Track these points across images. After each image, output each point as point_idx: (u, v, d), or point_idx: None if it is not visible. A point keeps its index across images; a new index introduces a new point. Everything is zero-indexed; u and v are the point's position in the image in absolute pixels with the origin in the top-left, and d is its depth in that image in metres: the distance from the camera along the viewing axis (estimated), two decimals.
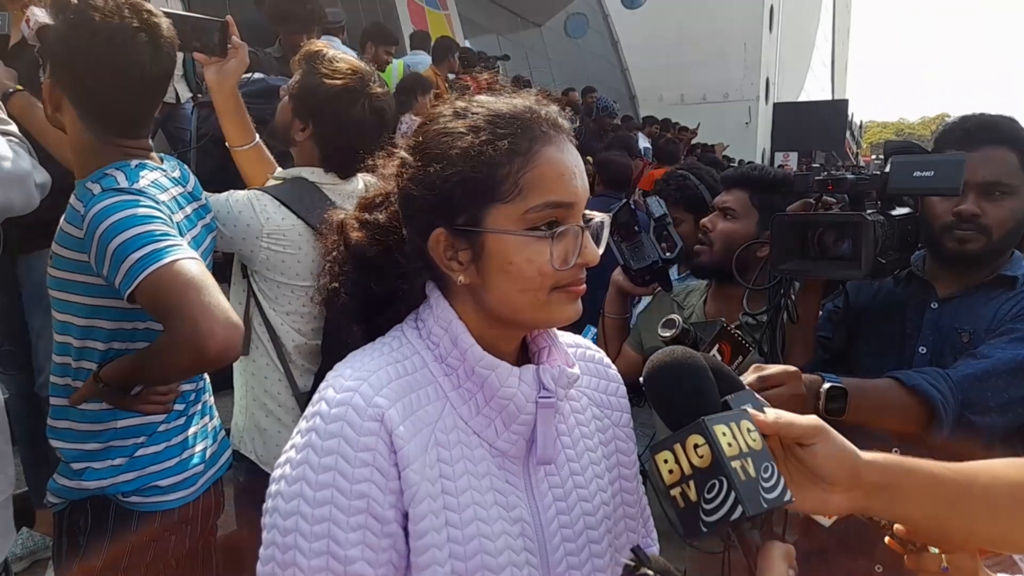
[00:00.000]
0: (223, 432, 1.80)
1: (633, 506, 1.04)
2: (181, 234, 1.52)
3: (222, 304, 1.31)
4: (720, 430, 0.75)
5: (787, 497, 0.75)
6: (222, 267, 1.97)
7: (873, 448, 1.48)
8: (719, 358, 1.20)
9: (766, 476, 0.74)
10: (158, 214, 1.41)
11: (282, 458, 0.85)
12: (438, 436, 0.85)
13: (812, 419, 0.81)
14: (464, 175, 0.84)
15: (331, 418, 0.81)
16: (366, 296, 0.93)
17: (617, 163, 4.70)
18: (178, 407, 1.62)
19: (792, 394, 1.23)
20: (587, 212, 0.89)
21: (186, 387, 1.64)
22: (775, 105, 22.03)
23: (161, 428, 1.60)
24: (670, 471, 0.77)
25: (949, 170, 1.36)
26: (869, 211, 1.44)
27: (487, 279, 0.86)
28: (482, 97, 0.91)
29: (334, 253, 0.95)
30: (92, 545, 1.55)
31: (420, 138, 0.89)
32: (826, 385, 1.29)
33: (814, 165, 1.53)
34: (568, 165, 0.86)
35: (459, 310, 0.89)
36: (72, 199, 1.49)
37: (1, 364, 1.44)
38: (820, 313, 1.64)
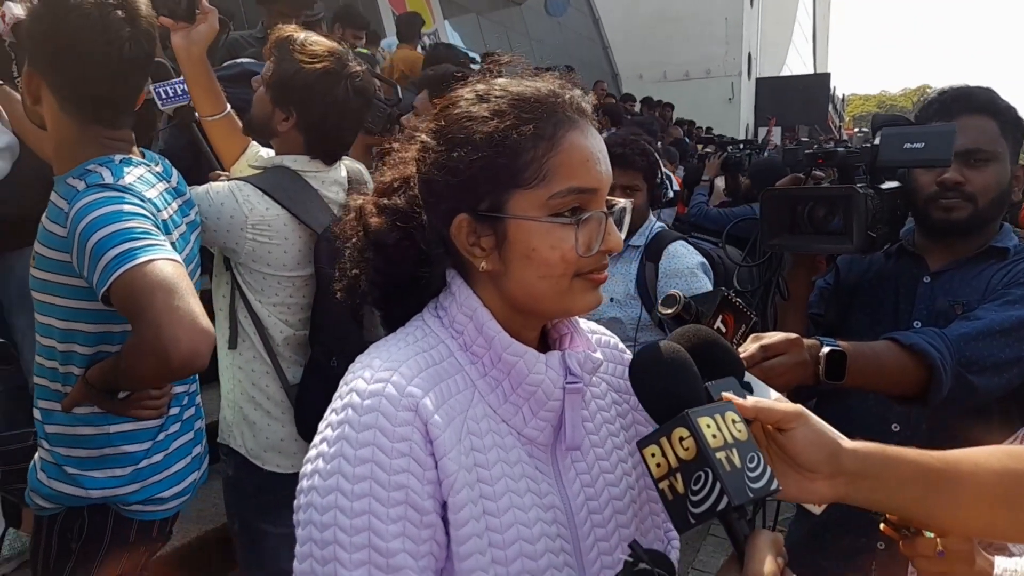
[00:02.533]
0: (205, 434, 1.78)
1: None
2: (168, 232, 1.48)
3: (192, 310, 1.26)
4: (704, 422, 0.75)
5: (773, 486, 0.75)
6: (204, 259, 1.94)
7: (870, 418, 1.46)
8: (723, 330, 1.18)
9: (752, 466, 0.75)
10: (142, 212, 1.37)
11: (312, 452, 0.83)
12: (470, 425, 0.84)
13: (791, 405, 0.82)
14: (488, 160, 0.83)
15: (365, 409, 0.80)
16: (387, 283, 0.92)
17: None
18: (173, 411, 1.59)
19: (795, 362, 1.22)
20: (609, 198, 0.88)
21: (179, 389, 1.61)
22: (758, 80, 22.00)
23: (161, 436, 1.57)
24: (657, 464, 0.77)
25: (939, 141, 1.36)
26: (859, 184, 1.43)
27: (509, 266, 0.85)
28: (503, 80, 0.89)
29: (354, 239, 0.93)
30: (86, 552, 1.52)
31: (442, 122, 0.88)
32: (825, 349, 1.28)
33: (803, 139, 1.52)
34: (592, 150, 0.85)
35: (481, 296, 0.88)
36: (54, 196, 1.44)
37: None
38: (812, 290, 1.63)
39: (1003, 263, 1.50)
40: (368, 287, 0.92)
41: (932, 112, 1.55)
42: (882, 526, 1.15)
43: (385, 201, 0.92)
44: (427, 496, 0.79)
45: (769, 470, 0.76)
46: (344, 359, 1.80)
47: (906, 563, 1.29)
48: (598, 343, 1.03)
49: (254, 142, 2.08)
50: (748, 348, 1.20)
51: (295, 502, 0.83)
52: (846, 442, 0.81)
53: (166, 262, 1.29)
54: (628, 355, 1.06)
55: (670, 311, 1.25)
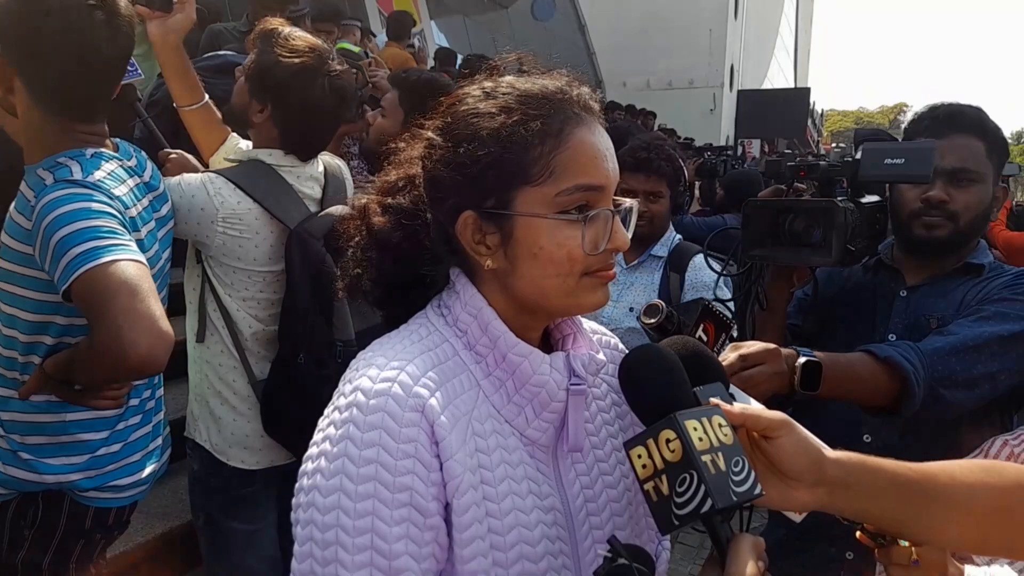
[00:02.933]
0: (167, 427, 1.75)
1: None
2: (136, 229, 1.46)
3: (152, 313, 1.24)
4: (691, 425, 0.75)
5: (757, 491, 0.75)
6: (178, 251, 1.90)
7: (842, 428, 1.47)
8: (704, 339, 1.19)
9: (736, 470, 0.75)
10: (110, 210, 1.35)
11: (313, 451, 0.81)
12: (474, 426, 0.83)
13: (777, 413, 0.82)
14: (495, 156, 0.82)
15: (371, 409, 0.78)
16: (390, 282, 0.91)
17: None
18: (133, 403, 1.57)
19: (773, 372, 1.23)
20: (615, 198, 0.87)
21: (139, 382, 1.58)
22: (739, 92, 22.21)
23: (120, 426, 1.55)
24: (643, 466, 0.77)
25: (920, 158, 1.37)
26: (840, 198, 1.43)
27: (515, 263, 0.84)
28: (510, 78, 0.89)
29: (356, 238, 0.92)
30: (39, 538, 1.50)
31: (448, 119, 0.87)
32: (801, 359, 1.29)
33: (786, 151, 1.52)
34: (600, 148, 0.85)
35: (486, 295, 0.87)
36: (23, 186, 1.42)
37: None
38: (790, 300, 1.63)
39: (978, 279, 1.51)
40: (370, 286, 0.91)
41: (922, 128, 1.56)
42: (858, 534, 1.15)
43: (389, 200, 0.91)
44: (431, 498, 0.78)
45: (753, 475, 0.76)
46: (312, 356, 1.80)
47: (874, 573, 1.29)
48: (600, 344, 1.02)
49: (234, 134, 2.04)
50: (728, 357, 1.20)
51: (293, 500, 0.82)
52: (829, 452, 0.82)
53: (129, 263, 1.27)
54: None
55: (652, 321, 1.26)
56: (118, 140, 1.58)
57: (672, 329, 1.23)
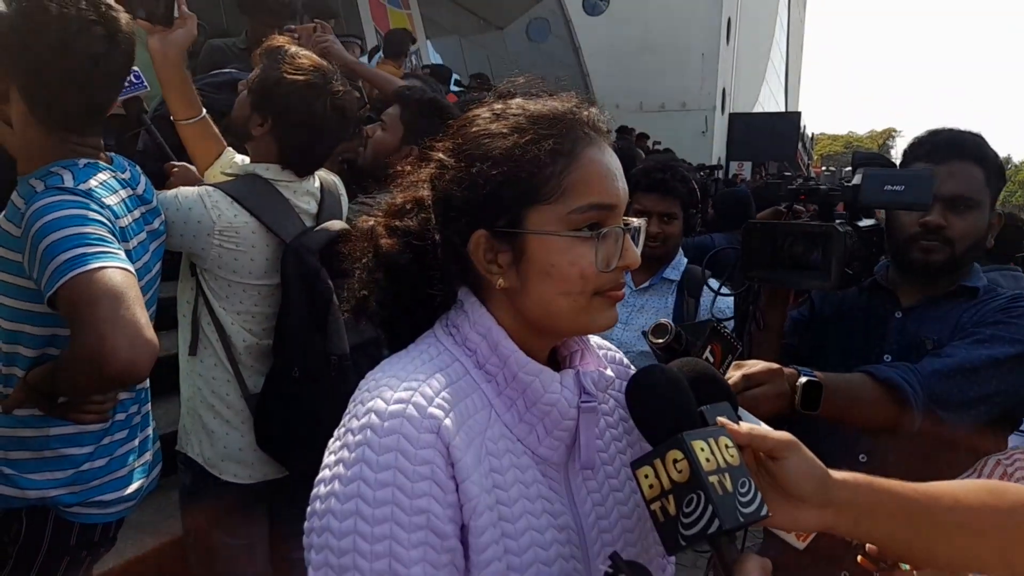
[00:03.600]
0: (158, 443, 1.72)
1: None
2: (126, 239, 1.46)
3: (137, 321, 1.23)
4: (699, 445, 0.75)
5: (764, 512, 0.75)
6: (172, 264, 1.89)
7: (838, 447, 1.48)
8: (711, 360, 1.19)
9: (743, 491, 0.75)
10: (99, 218, 1.34)
11: (326, 474, 0.80)
12: (488, 445, 0.83)
13: (784, 434, 0.82)
14: (507, 175, 0.83)
15: (386, 431, 0.78)
16: (396, 304, 0.91)
17: None
18: (119, 417, 1.55)
19: (776, 392, 1.23)
20: (624, 217, 0.88)
21: (125, 395, 1.56)
22: (731, 115, 22.44)
23: (105, 440, 1.53)
24: (650, 486, 0.77)
25: (919, 185, 1.38)
26: (839, 221, 1.44)
27: (527, 282, 0.84)
28: (519, 100, 0.90)
29: (364, 260, 0.92)
30: (23, 555, 1.47)
31: (459, 140, 0.88)
32: (802, 379, 1.29)
33: (785, 174, 1.53)
34: (610, 167, 0.86)
35: (496, 314, 0.87)
36: (14, 195, 1.42)
37: None
38: (787, 320, 1.64)
39: (973, 302, 1.53)
40: (377, 308, 0.92)
41: (922, 153, 1.57)
42: (859, 558, 1.15)
43: (397, 223, 0.91)
44: (448, 520, 0.77)
45: (760, 496, 0.76)
46: (306, 370, 1.79)
47: None
48: (607, 359, 1.02)
49: (229, 148, 2.04)
50: (731, 376, 1.21)
51: (306, 524, 0.80)
52: (835, 473, 0.82)
53: (116, 270, 1.26)
54: (633, 370, 1.05)
55: (661, 341, 1.26)
56: (112, 154, 1.59)
57: (680, 349, 1.24)
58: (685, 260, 2.49)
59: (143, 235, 1.57)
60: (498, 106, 0.89)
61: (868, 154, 1.72)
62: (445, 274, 0.90)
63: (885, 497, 0.83)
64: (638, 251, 0.88)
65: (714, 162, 20.25)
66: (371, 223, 0.94)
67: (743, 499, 0.75)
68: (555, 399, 0.85)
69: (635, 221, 0.90)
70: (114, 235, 1.36)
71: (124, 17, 1.46)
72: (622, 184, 0.87)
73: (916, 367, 1.41)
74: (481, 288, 0.89)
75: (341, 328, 1.87)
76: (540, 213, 0.83)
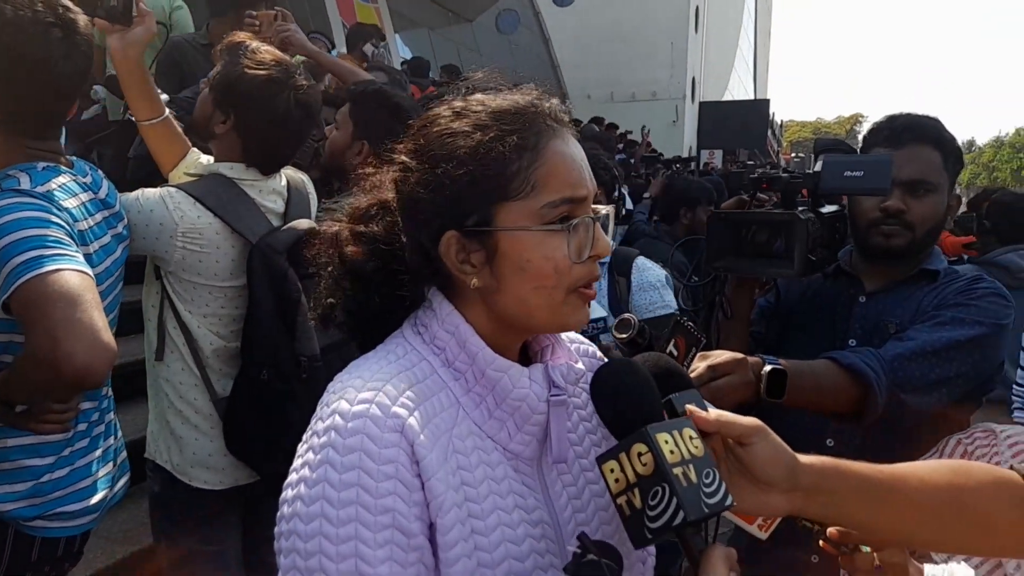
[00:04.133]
0: (124, 453, 1.70)
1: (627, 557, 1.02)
2: (86, 243, 1.44)
3: (94, 324, 1.21)
4: (663, 438, 0.76)
5: (728, 501, 0.76)
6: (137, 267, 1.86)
7: (805, 432, 1.50)
8: (675, 354, 1.20)
9: (707, 481, 0.76)
10: (57, 220, 1.32)
11: (293, 477, 0.80)
12: (456, 443, 0.83)
13: (752, 420, 0.83)
14: (474, 174, 0.82)
15: (349, 432, 0.78)
16: (364, 310, 0.90)
17: None
18: (80, 427, 1.52)
19: (741, 381, 1.25)
20: (593, 205, 0.88)
21: (87, 405, 1.53)
22: (701, 104, 22.60)
23: (66, 451, 1.49)
24: (616, 480, 0.77)
25: (878, 171, 1.40)
26: (801, 209, 1.46)
27: (502, 280, 0.84)
28: (480, 95, 0.89)
29: (330, 268, 0.91)
30: None
31: (421, 141, 0.87)
32: (767, 367, 1.30)
33: (748, 163, 1.54)
34: (576, 158, 0.86)
35: (467, 313, 0.87)
36: None
37: None
38: (754, 308, 1.65)
39: (934, 285, 1.55)
40: (344, 316, 0.90)
41: (881, 138, 1.59)
42: (821, 542, 1.17)
43: (362, 228, 0.90)
44: (414, 519, 0.78)
45: (724, 486, 0.77)
46: (275, 371, 1.77)
47: (837, 574, 1.31)
48: (579, 352, 1.02)
49: (194, 148, 2.01)
50: (697, 368, 1.21)
51: (275, 529, 0.80)
52: (803, 457, 0.83)
53: (73, 272, 1.24)
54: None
55: (624, 335, 1.26)
56: (73, 158, 1.56)
57: (644, 343, 1.24)
58: (613, 244, 2.52)
59: (107, 238, 1.55)
60: (458, 103, 0.88)
61: (829, 141, 1.75)
62: (414, 276, 0.89)
63: (852, 480, 0.84)
64: (608, 239, 0.88)
65: (685, 150, 20.39)
66: (335, 228, 0.92)
67: (707, 490, 0.75)
68: (524, 394, 0.85)
69: (603, 209, 0.89)
70: (72, 237, 1.34)
71: (82, 19, 1.43)
72: (589, 174, 0.87)
73: (879, 352, 1.43)
74: (451, 287, 0.88)
75: (310, 329, 1.85)
76: (510, 209, 0.82)
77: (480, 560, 0.80)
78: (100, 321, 1.23)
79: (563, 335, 0.99)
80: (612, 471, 0.78)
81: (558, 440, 0.88)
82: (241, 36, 1.88)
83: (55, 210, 1.34)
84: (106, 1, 1.78)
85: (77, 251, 1.31)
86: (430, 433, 0.80)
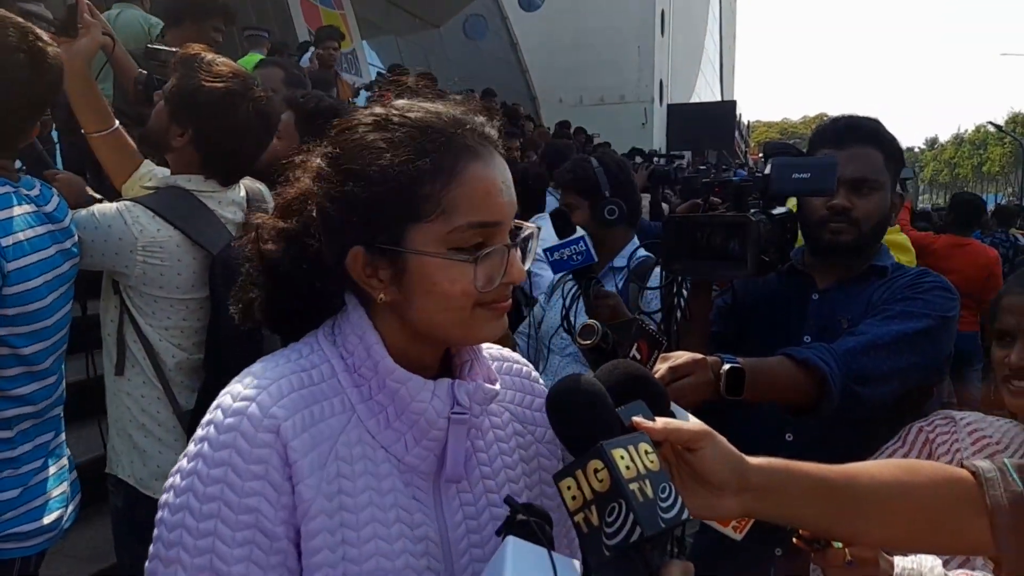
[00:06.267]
0: (74, 473, 1.69)
1: (557, 525, 0.97)
2: (23, 254, 1.45)
3: None
4: (618, 454, 0.76)
5: (684, 515, 0.76)
6: (93, 282, 1.84)
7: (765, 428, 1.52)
8: (638, 357, 1.23)
9: (664, 496, 0.75)
10: None
11: (174, 468, 0.81)
12: (340, 450, 0.81)
13: (699, 424, 0.84)
14: (383, 195, 0.80)
15: (224, 428, 0.78)
16: (282, 307, 0.89)
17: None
18: (26, 448, 1.52)
19: (702, 381, 1.27)
20: (518, 222, 0.86)
21: (28, 424, 1.53)
22: (669, 107, 22.82)
23: (16, 471, 1.49)
24: (573, 497, 0.77)
25: (823, 172, 1.45)
26: (752, 211, 1.49)
27: (409, 297, 0.82)
28: (403, 103, 0.85)
29: (249, 263, 0.90)
30: None
31: (338, 149, 0.84)
32: (726, 366, 1.33)
33: (723, 167, 1.58)
34: (495, 181, 0.82)
35: (379, 322, 0.86)
36: None
37: None
38: (711, 309, 1.68)
39: (883, 280, 1.61)
40: (261, 313, 0.89)
41: (825, 139, 1.65)
42: (794, 539, 1.20)
43: (281, 224, 0.88)
44: (279, 522, 0.77)
45: (680, 500, 0.76)
46: None
47: (806, 570, 1.34)
48: (506, 371, 1.00)
49: (147, 161, 1.99)
50: (658, 370, 1.24)
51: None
52: (752, 459, 0.84)
53: None
54: (540, 385, 1.04)
55: (588, 342, 1.28)
56: (25, 176, 1.57)
57: (608, 348, 1.26)
58: (634, 246, 2.47)
59: (51, 251, 1.55)
60: (380, 111, 0.85)
61: (778, 144, 1.80)
62: (332, 279, 0.87)
63: (802, 479, 0.85)
64: (528, 260, 0.86)
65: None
66: (259, 221, 0.91)
67: (664, 504, 0.75)
68: (422, 408, 0.83)
69: (528, 228, 0.88)
70: None
71: (52, 50, 1.47)
72: (508, 198, 0.83)
73: (831, 346, 1.46)
74: (365, 294, 0.86)
75: (275, 338, 1.84)
76: (420, 231, 0.80)
77: (347, 571, 0.79)
78: None
79: (488, 352, 0.97)
80: (569, 488, 0.77)
81: (453, 458, 0.86)
82: (196, 48, 1.87)
83: None
84: (53, 14, 1.79)
85: None
86: (309, 437, 0.79)
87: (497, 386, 0.91)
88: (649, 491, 0.75)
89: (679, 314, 1.59)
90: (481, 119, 0.85)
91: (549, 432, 0.97)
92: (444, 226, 0.80)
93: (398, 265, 0.81)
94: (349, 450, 0.82)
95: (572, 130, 12.15)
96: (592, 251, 1.64)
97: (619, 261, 2.41)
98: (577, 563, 0.75)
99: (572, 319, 1.64)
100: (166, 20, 3.40)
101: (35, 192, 1.54)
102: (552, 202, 4.64)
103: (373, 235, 0.81)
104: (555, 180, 2.39)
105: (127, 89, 2.38)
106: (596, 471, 0.75)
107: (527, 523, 0.75)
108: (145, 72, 2.32)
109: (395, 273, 0.82)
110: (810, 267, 1.68)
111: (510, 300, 0.86)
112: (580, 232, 1.63)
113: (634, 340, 1.24)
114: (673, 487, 0.77)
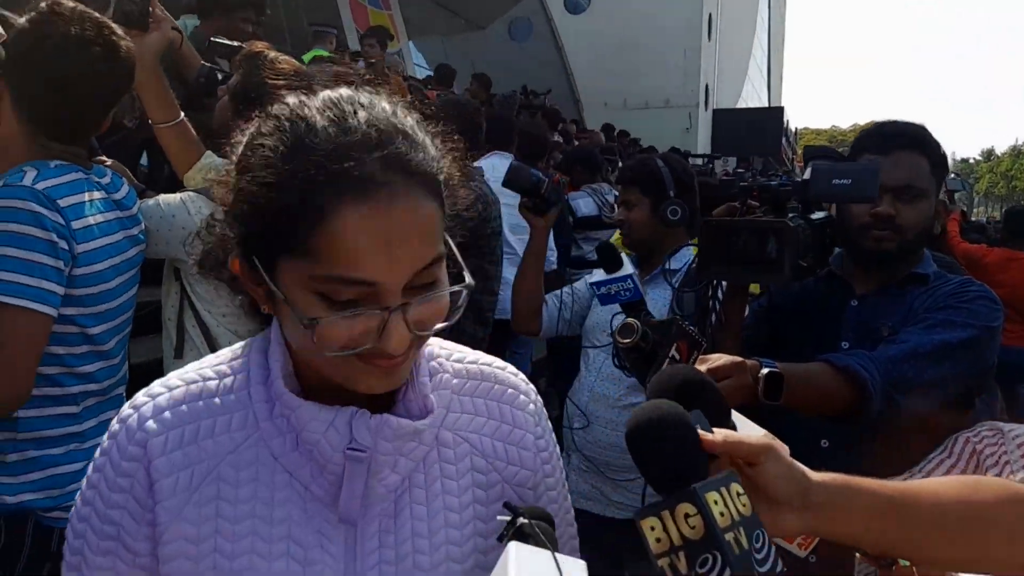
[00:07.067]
0: None
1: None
2: (87, 239, 1.52)
3: (14, 367, 1.39)
4: (712, 498, 0.70)
5: (779, 568, 0.72)
6: (155, 268, 1.94)
7: (801, 434, 1.54)
8: (677, 358, 1.21)
9: (758, 546, 0.71)
10: (42, 236, 1.41)
11: None
12: (224, 471, 0.75)
13: (761, 438, 0.81)
14: (250, 215, 0.70)
15: (112, 433, 0.78)
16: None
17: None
18: (91, 423, 1.59)
19: (740, 384, 1.26)
20: (431, 276, 0.70)
21: (93, 401, 1.61)
22: (715, 112, 22.56)
23: (79, 445, 1.56)
24: (657, 539, 0.71)
25: (865, 178, 1.43)
26: (791, 215, 1.50)
27: (283, 323, 0.75)
28: (316, 102, 0.71)
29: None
30: (3, 563, 1.50)
31: (239, 146, 0.74)
32: (764, 370, 1.32)
33: (771, 174, 1.58)
34: (379, 234, 0.65)
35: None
36: None
37: None
38: (746, 313, 1.69)
39: (924, 288, 1.59)
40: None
41: (869, 144, 1.63)
42: (858, 555, 1.18)
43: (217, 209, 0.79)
44: (143, 538, 0.75)
45: (773, 549, 0.72)
46: None
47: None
48: (481, 393, 0.85)
49: (209, 152, 2.09)
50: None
51: None
52: (814, 475, 0.81)
53: (22, 313, 1.38)
54: (524, 414, 0.87)
55: (627, 341, 1.26)
56: (96, 163, 1.65)
57: (647, 348, 1.25)
58: (691, 249, 2.38)
59: (118, 237, 1.63)
60: (290, 103, 0.72)
61: (819, 148, 1.80)
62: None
63: (866, 497, 0.82)
64: (405, 335, 0.69)
65: (699, 158, 20.34)
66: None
67: (759, 555, 0.70)
68: (314, 439, 0.74)
69: (446, 291, 0.72)
70: (54, 254, 1.43)
71: (126, 44, 1.55)
72: (399, 252, 0.67)
73: (873, 354, 1.46)
74: None
75: None
76: (288, 266, 0.69)
77: None
78: (26, 366, 1.38)
79: (471, 367, 0.85)
80: (653, 529, 0.70)
81: (348, 499, 0.75)
82: (260, 46, 1.95)
83: (47, 212, 1.43)
84: (123, 5, 1.88)
85: (49, 278, 1.42)
86: (181, 456, 0.74)
87: (424, 421, 0.78)
88: (744, 541, 0.70)
89: (713, 317, 1.59)
90: (395, 149, 0.68)
91: (523, 473, 0.85)
92: (308, 269, 0.67)
93: (268, 289, 0.71)
94: (236, 472, 0.75)
95: (616, 133, 12.11)
96: (639, 287, 1.60)
97: (675, 263, 2.33)
98: (583, 564, 0.69)
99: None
100: (197, 14, 3.48)
101: (106, 180, 1.63)
102: (584, 203, 4.67)
103: (248, 249, 0.72)
104: (617, 176, 2.37)
105: (190, 83, 2.47)
106: (687, 516, 0.69)
107: (529, 526, 0.70)
108: (208, 65, 2.42)
109: (268, 295, 0.73)
110: (848, 273, 1.67)
111: (401, 358, 0.72)
112: (629, 269, 1.60)
113: (673, 340, 1.23)
114: (765, 535, 0.72)
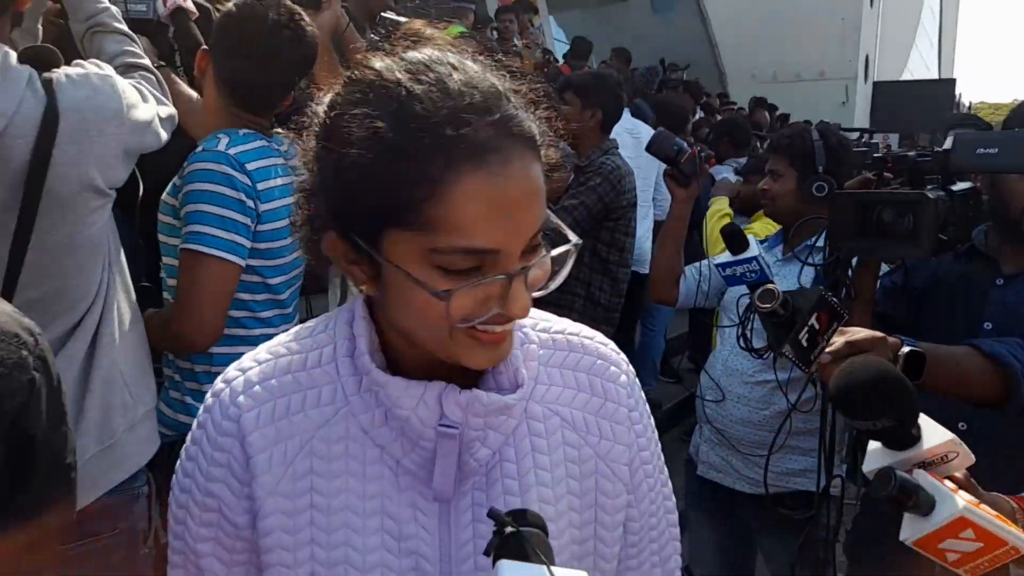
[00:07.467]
0: None
1: (610, 561, 0.82)
2: (270, 199, 1.73)
3: (213, 312, 1.61)
4: None
5: None
6: None
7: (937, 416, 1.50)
8: (816, 327, 1.21)
9: None
10: (235, 196, 1.64)
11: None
12: (317, 445, 0.74)
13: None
14: (354, 187, 0.66)
15: (207, 408, 0.78)
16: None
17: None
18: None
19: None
20: (552, 228, 0.70)
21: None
22: (875, 84, 20.98)
23: None
24: None
25: (1014, 147, 1.36)
26: (930, 187, 1.46)
27: (387, 300, 0.72)
28: (419, 59, 0.68)
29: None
30: None
31: (327, 120, 0.70)
32: (905, 349, 1.28)
33: (922, 147, 1.51)
34: (499, 200, 0.64)
35: (380, 311, 0.76)
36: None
37: (140, 299, 1.72)
38: (876, 288, 1.66)
39: None
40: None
41: None
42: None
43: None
44: (242, 511, 0.76)
45: None
46: None
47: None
48: (571, 364, 0.82)
49: None
50: (835, 343, 1.23)
51: None
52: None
53: (221, 263, 1.60)
54: (617, 387, 0.83)
55: (767, 306, 1.25)
56: (278, 132, 1.87)
57: (786, 315, 1.25)
58: None
59: (291, 199, 1.84)
60: (386, 62, 0.68)
61: (961, 115, 1.72)
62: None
63: None
64: (527, 301, 0.68)
65: (856, 135, 19.05)
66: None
67: None
68: (404, 415, 0.72)
69: (554, 251, 0.70)
70: (243, 211, 1.65)
71: (311, 28, 1.77)
72: (522, 214, 0.66)
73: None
74: None
75: None
76: (399, 239, 0.66)
77: (315, 572, 0.73)
78: (219, 309, 1.61)
79: (557, 337, 0.83)
80: None
81: (441, 475, 0.73)
82: (418, 24, 2.08)
83: (237, 174, 1.65)
84: None
85: (239, 233, 1.64)
86: (274, 431, 0.74)
87: (514, 395, 0.75)
88: None
89: (843, 292, 1.57)
90: (511, 112, 0.66)
91: (617, 448, 0.82)
92: (424, 240, 0.65)
93: (375, 266, 0.69)
94: (329, 446, 0.74)
95: (766, 107, 11.57)
96: (766, 269, 1.57)
97: (820, 240, 2.17)
98: (583, 574, 0.63)
99: (748, 333, 1.52)
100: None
101: (284, 148, 1.85)
102: (724, 172, 4.59)
103: (348, 225, 0.69)
104: (771, 143, 2.34)
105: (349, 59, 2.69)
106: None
107: (519, 535, 0.63)
108: (365, 44, 2.63)
109: (373, 272, 0.71)
110: (995, 250, 1.59)
111: (508, 330, 0.71)
112: (754, 251, 1.58)
113: (815, 310, 1.21)
114: None
